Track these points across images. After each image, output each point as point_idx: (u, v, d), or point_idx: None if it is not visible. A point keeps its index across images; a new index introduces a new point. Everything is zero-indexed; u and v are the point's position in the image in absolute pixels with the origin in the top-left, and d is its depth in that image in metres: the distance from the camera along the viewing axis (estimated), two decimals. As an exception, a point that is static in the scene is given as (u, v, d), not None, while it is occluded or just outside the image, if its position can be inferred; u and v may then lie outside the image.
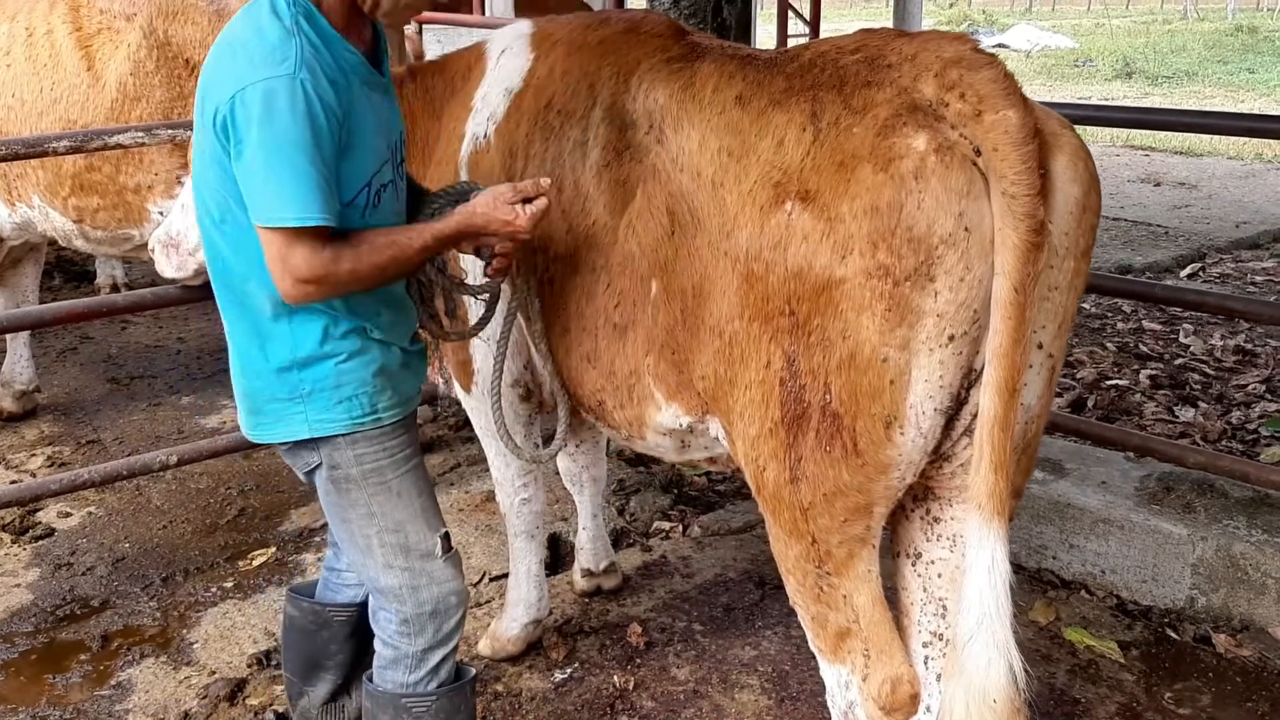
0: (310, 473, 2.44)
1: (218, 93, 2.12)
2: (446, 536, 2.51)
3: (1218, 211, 9.43)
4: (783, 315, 2.17)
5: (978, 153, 2.01)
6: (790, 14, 10.06)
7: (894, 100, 2.09)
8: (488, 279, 2.60)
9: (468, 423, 3.73)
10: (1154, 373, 5.64)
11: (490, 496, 4.37)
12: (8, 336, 5.41)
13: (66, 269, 7.59)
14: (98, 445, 5.12)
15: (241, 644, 3.60)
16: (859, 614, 2.31)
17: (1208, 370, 5.71)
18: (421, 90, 3.16)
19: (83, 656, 3.57)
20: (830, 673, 2.41)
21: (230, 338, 2.39)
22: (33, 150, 3.66)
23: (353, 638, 2.79)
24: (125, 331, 6.68)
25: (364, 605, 2.67)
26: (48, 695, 3.37)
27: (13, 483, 4.61)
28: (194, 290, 3.59)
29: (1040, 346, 2.17)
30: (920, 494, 2.38)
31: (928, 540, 2.41)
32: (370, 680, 2.57)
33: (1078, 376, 5.61)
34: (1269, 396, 5.33)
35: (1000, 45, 23.26)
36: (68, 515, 4.46)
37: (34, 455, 5.01)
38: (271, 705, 3.27)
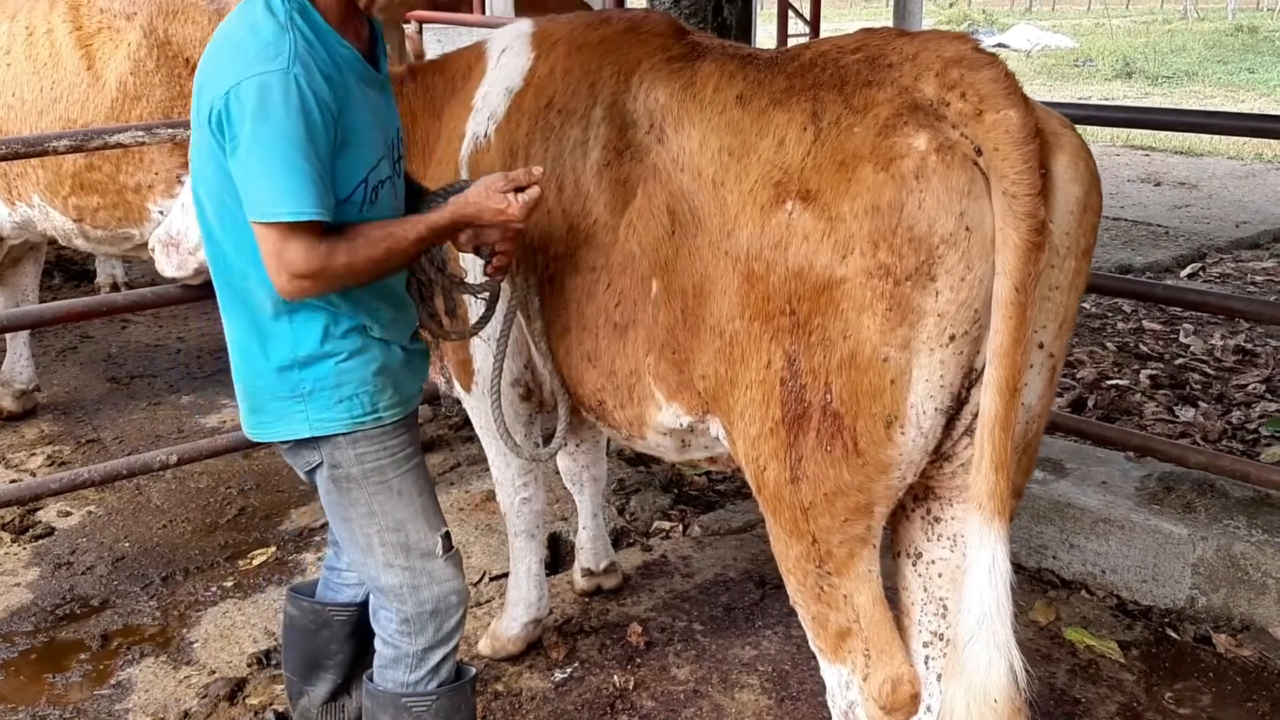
0: (311, 472, 2.44)
1: (212, 89, 2.12)
2: (447, 535, 2.51)
3: (1218, 211, 9.43)
4: (783, 315, 2.17)
5: (979, 152, 2.01)
6: (790, 13, 10.06)
7: (895, 100, 2.09)
8: (487, 277, 2.60)
9: (468, 422, 3.72)
10: (1154, 372, 5.64)
11: (490, 496, 4.37)
12: (7, 336, 5.41)
13: (66, 268, 7.59)
14: (98, 444, 5.11)
15: (241, 643, 3.60)
16: (859, 614, 2.30)
17: (1208, 370, 5.71)
18: (422, 89, 3.16)
19: (82, 656, 3.56)
20: (831, 672, 2.41)
21: (231, 336, 2.38)
22: (33, 149, 3.65)
23: (353, 637, 2.79)
24: (125, 331, 6.68)
25: (364, 605, 2.67)
26: (47, 694, 3.37)
27: (13, 482, 4.61)
28: (194, 289, 3.59)
29: (1041, 346, 2.17)
30: (921, 494, 2.38)
31: (928, 540, 2.41)
32: (370, 680, 2.57)
33: (1078, 376, 5.61)
34: (1269, 396, 5.33)
35: (1000, 45, 23.25)
36: (68, 514, 4.46)
37: (34, 454, 5.01)
38: (271, 705, 3.27)
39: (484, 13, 6.63)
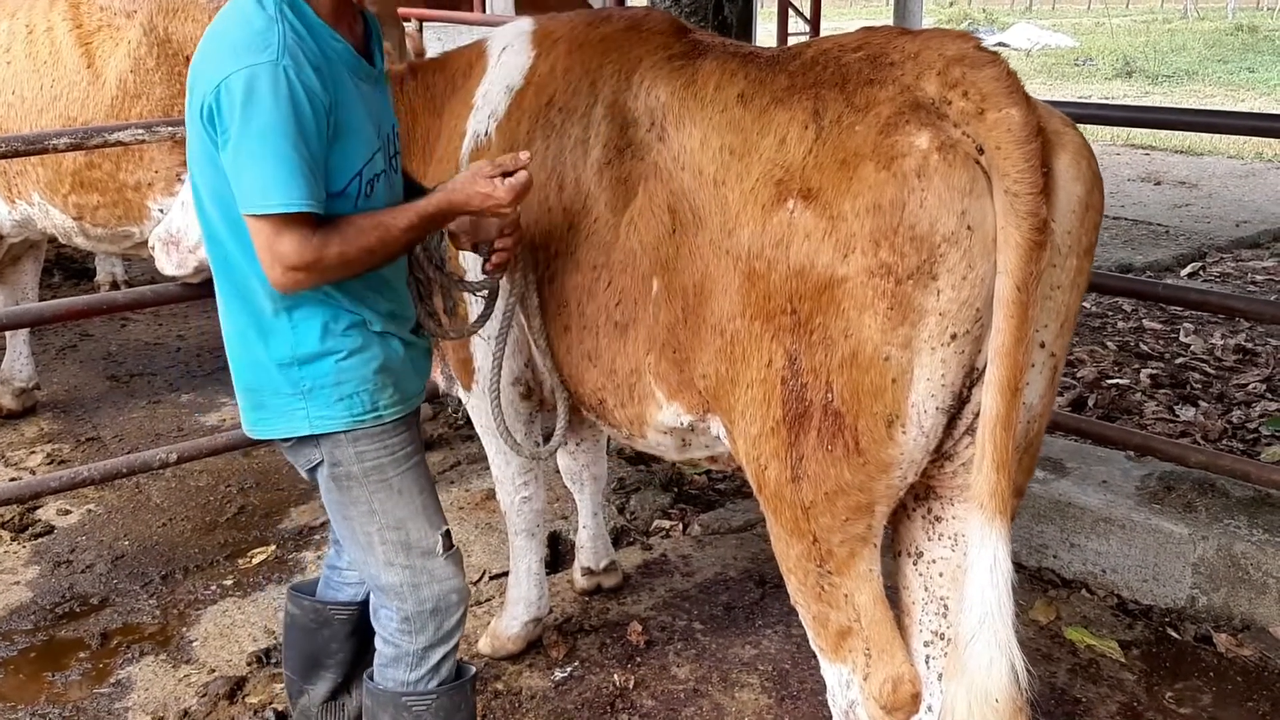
0: (312, 470, 2.43)
1: (203, 83, 2.12)
2: (447, 534, 2.51)
3: (1218, 210, 9.42)
4: (784, 314, 2.17)
5: (980, 151, 2.00)
6: (791, 12, 10.05)
7: (897, 98, 2.09)
8: (486, 275, 2.59)
9: (468, 420, 3.72)
10: (1155, 372, 5.64)
11: (490, 494, 4.36)
12: (7, 334, 5.41)
13: (66, 266, 7.58)
14: (97, 443, 5.11)
15: (241, 642, 3.59)
16: (860, 613, 2.30)
17: (1208, 369, 5.71)
18: (423, 87, 3.15)
19: (82, 654, 3.56)
20: (831, 672, 2.40)
21: (230, 333, 2.37)
22: (33, 147, 3.65)
23: (353, 636, 2.79)
24: (125, 329, 6.68)
25: (365, 603, 2.67)
26: (47, 693, 3.37)
27: (12, 480, 4.60)
28: (194, 288, 3.58)
29: (1042, 345, 2.16)
30: (922, 493, 2.38)
31: (929, 539, 2.41)
32: (371, 678, 2.57)
33: (1078, 375, 5.61)
34: (1269, 395, 5.33)
35: (1000, 44, 23.23)
36: (67, 513, 4.46)
37: (33, 452, 5.00)
38: (271, 703, 3.27)
39: (485, 11, 6.63)
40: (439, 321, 2.69)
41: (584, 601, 3.78)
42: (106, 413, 5.44)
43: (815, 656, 2.45)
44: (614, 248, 2.58)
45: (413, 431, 2.49)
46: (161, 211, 4.55)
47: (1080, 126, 2.23)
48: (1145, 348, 6.07)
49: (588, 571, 3.81)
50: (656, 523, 4.33)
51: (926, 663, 2.44)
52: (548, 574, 3.62)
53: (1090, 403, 5.27)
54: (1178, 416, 5.10)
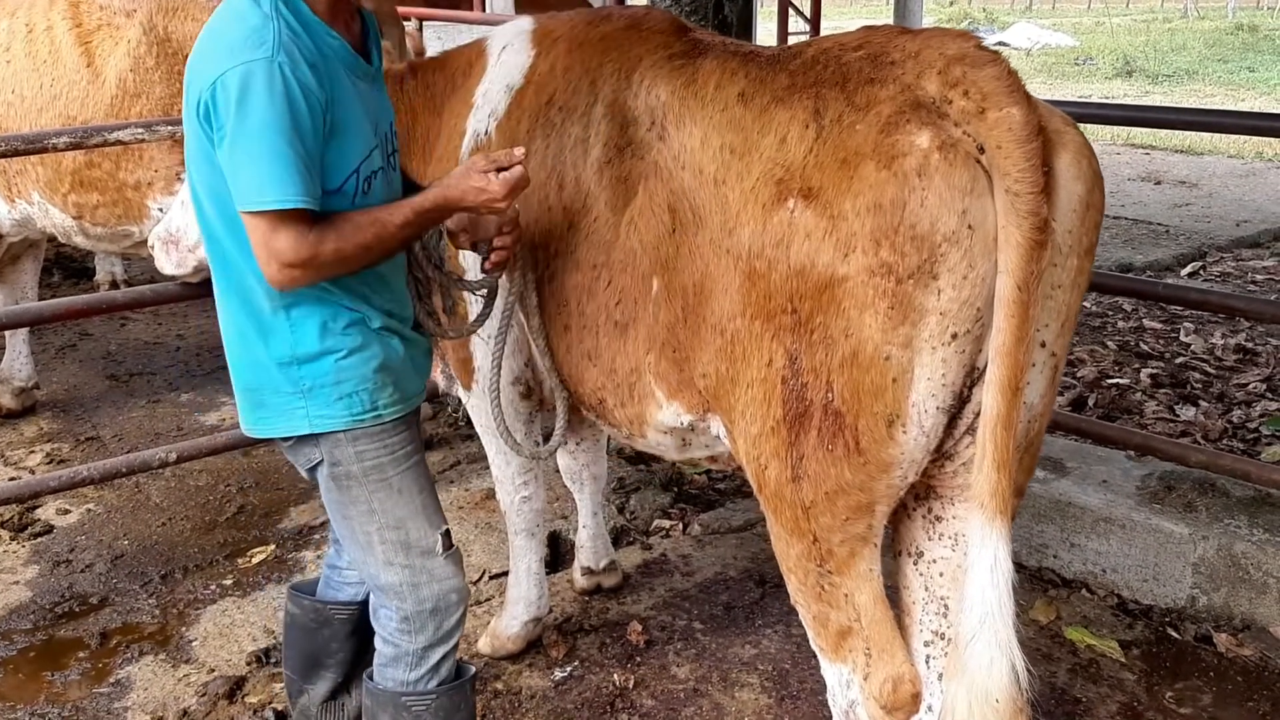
0: (312, 469, 2.43)
1: (199, 81, 2.12)
2: (447, 534, 2.51)
3: (1218, 210, 9.42)
4: (785, 313, 2.16)
5: (981, 150, 2.00)
6: (791, 11, 10.05)
7: (897, 97, 2.09)
8: (485, 274, 2.59)
9: (468, 420, 3.72)
10: (1155, 371, 5.64)
11: (490, 494, 4.36)
12: (7, 333, 5.40)
13: (66, 265, 7.58)
14: (97, 442, 5.11)
15: (241, 642, 3.59)
16: (860, 613, 2.30)
17: (1209, 369, 5.70)
18: (423, 87, 3.15)
19: (81, 654, 3.56)
20: (831, 671, 2.40)
21: (229, 331, 2.37)
22: (33, 146, 3.64)
23: (353, 636, 2.78)
24: (124, 328, 6.67)
25: (365, 603, 2.66)
26: (46, 693, 3.37)
27: (11, 479, 4.60)
28: (193, 287, 3.58)
29: (1043, 345, 2.16)
30: (922, 492, 2.38)
31: (929, 539, 2.41)
32: (370, 678, 2.57)
33: (1079, 375, 5.60)
34: (1270, 395, 5.33)
35: (1000, 43, 23.23)
36: (67, 512, 4.45)
37: (33, 452, 5.00)
38: (271, 703, 3.26)
39: (484, 10, 6.63)
40: (438, 321, 2.69)
41: (584, 601, 3.78)
42: (106, 412, 5.44)
43: (815, 656, 2.44)
44: (614, 247, 2.57)
45: (413, 431, 2.49)
46: (161, 211, 4.55)
47: (1081, 126, 2.22)
48: (1145, 347, 6.07)
49: (588, 571, 3.81)
50: (656, 522, 4.32)
51: (927, 662, 2.43)
52: (548, 574, 3.62)
53: (1090, 402, 5.27)
54: (1178, 416, 5.10)
